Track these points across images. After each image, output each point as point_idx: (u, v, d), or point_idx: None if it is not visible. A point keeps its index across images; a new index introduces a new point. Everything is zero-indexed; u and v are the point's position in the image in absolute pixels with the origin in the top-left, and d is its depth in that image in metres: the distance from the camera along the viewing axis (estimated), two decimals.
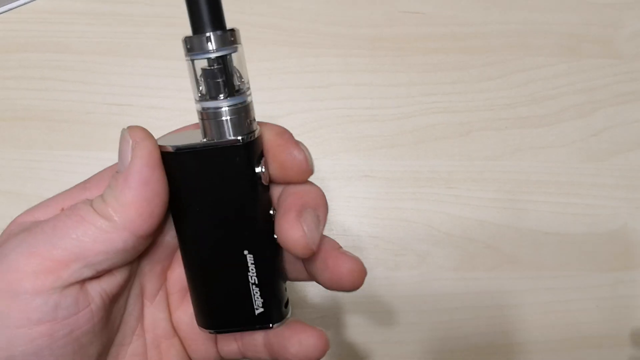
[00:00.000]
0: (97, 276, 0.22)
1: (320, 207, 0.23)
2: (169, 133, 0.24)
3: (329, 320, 0.40)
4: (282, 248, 0.23)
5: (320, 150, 0.43)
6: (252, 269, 0.24)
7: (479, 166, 0.44)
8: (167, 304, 0.26)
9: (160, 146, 0.22)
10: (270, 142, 0.23)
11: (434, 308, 0.41)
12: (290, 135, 0.24)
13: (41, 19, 0.44)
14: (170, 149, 0.22)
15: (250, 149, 0.22)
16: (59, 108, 0.43)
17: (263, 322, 0.25)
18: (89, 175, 0.24)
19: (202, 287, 0.25)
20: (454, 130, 0.44)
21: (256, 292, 0.24)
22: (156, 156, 0.22)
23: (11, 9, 0.44)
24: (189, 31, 0.21)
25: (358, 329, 0.40)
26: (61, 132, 0.42)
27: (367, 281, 0.41)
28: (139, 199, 0.21)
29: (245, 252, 0.24)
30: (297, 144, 0.23)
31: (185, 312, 0.26)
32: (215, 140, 0.22)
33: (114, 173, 0.22)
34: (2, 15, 0.44)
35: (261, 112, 0.44)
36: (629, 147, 0.45)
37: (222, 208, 0.23)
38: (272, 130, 0.23)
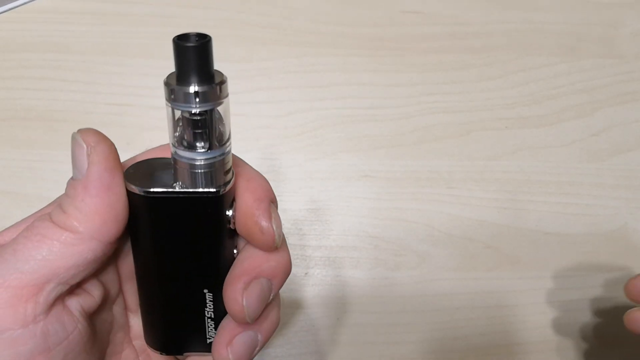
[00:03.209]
0: (73, 291, 0.21)
1: (276, 276, 0.23)
2: (138, 158, 0.23)
3: (329, 320, 0.40)
4: None
5: (320, 150, 0.43)
6: (210, 306, 0.24)
7: (479, 166, 0.44)
8: None
9: (127, 184, 0.21)
10: (242, 205, 0.22)
11: (434, 308, 0.41)
12: (267, 205, 0.22)
13: (41, 19, 0.44)
14: (139, 192, 0.21)
15: (222, 200, 0.21)
16: (59, 108, 0.43)
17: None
18: None
19: (156, 314, 0.25)
20: (454, 130, 0.44)
21: (210, 325, 0.24)
22: (114, 159, 0.21)
23: (11, 9, 0.44)
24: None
25: (358, 330, 0.40)
26: (61, 132, 0.42)
27: (367, 281, 0.41)
28: (102, 206, 0.20)
29: (205, 290, 0.24)
30: (270, 217, 0.22)
31: None
32: (188, 189, 0.21)
33: (70, 180, 0.21)
34: (2, 15, 0.44)
35: (261, 112, 0.44)
36: (629, 147, 0.45)
37: (188, 249, 0.23)
38: (250, 193, 0.22)
